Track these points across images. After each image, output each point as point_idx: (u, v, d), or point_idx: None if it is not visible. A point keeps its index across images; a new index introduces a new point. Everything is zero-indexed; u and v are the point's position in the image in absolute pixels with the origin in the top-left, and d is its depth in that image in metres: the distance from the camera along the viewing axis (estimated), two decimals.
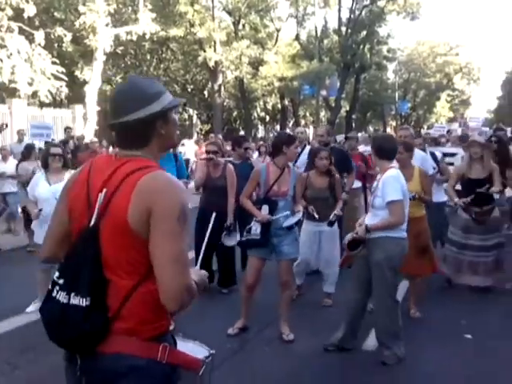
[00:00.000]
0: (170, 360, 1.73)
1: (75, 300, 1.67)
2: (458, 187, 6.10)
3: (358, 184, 7.14)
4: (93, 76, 17.60)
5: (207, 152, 5.99)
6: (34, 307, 5.37)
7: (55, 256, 1.93)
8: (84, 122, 17.31)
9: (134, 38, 18.37)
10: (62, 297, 1.71)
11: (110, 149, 12.67)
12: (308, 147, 7.01)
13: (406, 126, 7.34)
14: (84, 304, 1.66)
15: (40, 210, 5.23)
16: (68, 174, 5.42)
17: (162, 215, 1.65)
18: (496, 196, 5.86)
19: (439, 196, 6.42)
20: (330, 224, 5.14)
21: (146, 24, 17.84)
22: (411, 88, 48.86)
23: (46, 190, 5.32)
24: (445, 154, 8.50)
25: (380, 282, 4.11)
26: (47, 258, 1.98)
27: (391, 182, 4.06)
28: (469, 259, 5.90)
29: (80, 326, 1.67)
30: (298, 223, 4.63)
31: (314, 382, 3.98)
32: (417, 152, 6.39)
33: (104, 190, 1.72)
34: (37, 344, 4.58)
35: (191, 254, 6.89)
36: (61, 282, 1.73)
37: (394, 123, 47.14)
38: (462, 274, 5.96)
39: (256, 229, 4.47)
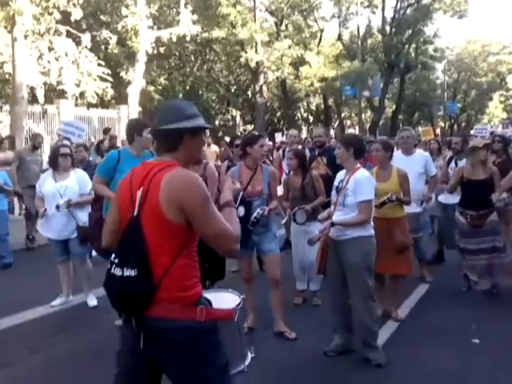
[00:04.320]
0: (207, 318, 2.22)
1: (127, 272, 2.18)
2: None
3: None
4: (135, 77, 18.04)
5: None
6: (59, 301, 5.70)
7: (111, 245, 2.43)
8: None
9: (174, 39, 18.67)
10: (117, 271, 2.21)
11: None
12: None
13: (407, 127, 7.49)
14: (133, 274, 2.16)
15: (45, 210, 5.52)
16: (73, 173, 5.69)
17: (192, 207, 2.18)
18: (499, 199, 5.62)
19: (450, 198, 6.44)
20: (294, 219, 5.22)
21: (187, 26, 18.11)
22: (461, 88, 47.47)
23: (52, 187, 5.56)
24: None
25: (359, 283, 4.09)
26: (106, 246, 2.50)
27: (366, 182, 4.14)
28: (472, 263, 5.79)
29: (131, 291, 2.16)
30: (260, 219, 4.48)
31: (316, 377, 4.02)
32: (420, 152, 6.60)
33: (141, 189, 2.24)
34: (56, 332, 4.99)
35: None
36: (116, 260, 2.24)
37: (442, 124, 45.99)
38: (480, 279, 5.81)
39: None
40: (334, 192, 4.39)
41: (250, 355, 3.21)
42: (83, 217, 5.52)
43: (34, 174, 8.37)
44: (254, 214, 4.41)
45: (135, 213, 2.23)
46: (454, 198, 6.16)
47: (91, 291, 5.67)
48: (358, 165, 4.28)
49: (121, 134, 15.80)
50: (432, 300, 5.77)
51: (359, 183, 4.10)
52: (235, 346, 2.98)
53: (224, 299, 2.69)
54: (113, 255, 2.27)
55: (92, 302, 5.61)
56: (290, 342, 4.60)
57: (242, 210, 4.44)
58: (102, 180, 4.77)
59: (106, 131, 13.96)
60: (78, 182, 5.62)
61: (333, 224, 4.09)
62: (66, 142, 8.60)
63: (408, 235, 5.09)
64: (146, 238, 2.18)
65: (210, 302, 2.32)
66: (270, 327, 4.86)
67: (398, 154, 6.65)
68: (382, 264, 4.78)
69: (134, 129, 4.77)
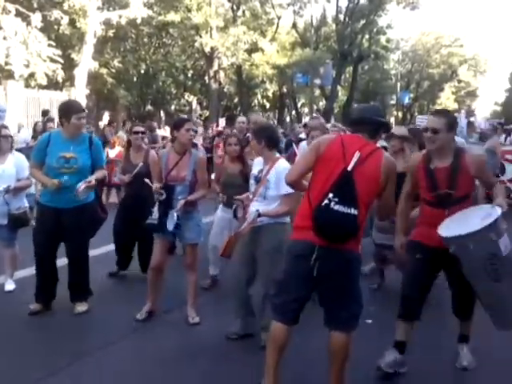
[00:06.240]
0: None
1: (349, 210, 2.89)
2: None
3: None
4: (82, 59, 17.93)
5: (136, 133, 5.92)
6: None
7: (298, 182, 3.28)
8: None
9: (123, 22, 18.62)
10: (338, 208, 2.89)
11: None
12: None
13: (315, 116, 7.17)
14: (356, 213, 2.90)
15: None
16: (11, 156, 5.43)
17: (393, 178, 3.16)
18: None
19: None
20: (234, 215, 4.36)
21: (138, 8, 18.10)
22: (414, 78, 48.70)
23: None
24: None
25: (271, 266, 3.89)
26: (293, 181, 3.26)
27: None
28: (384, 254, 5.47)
29: (350, 225, 2.91)
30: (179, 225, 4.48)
31: (207, 362, 3.96)
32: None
33: (358, 153, 3.02)
34: None
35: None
36: (336, 199, 2.90)
37: (395, 113, 47.10)
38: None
39: (155, 214, 4.51)
40: (252, 181, 4.21)
41: None
42: (17, 203, 5.35)
43: None
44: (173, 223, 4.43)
45: (350, 167, 2.98)
46: None
47: (12, 276, 5.57)
48: (277, 155, 4.21)
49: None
50: None
51: (281, 176, 3.76)
52: None
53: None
54: (331, 194, 2.91)
55: (10, 286, 5.47)
56: (196, 326, 4.58)
57: (164, 194, 4.48)
58: (35, 165, 4.81)
59: (44, 113, 13.66)
60: (15, 166, 5.35)
61: (259, 215, 3.94)
62: None
63: None
64: (357, 188, 2.95)
65: None
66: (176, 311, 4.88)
67: None
68: None
69: (61, 114, 4.77)
